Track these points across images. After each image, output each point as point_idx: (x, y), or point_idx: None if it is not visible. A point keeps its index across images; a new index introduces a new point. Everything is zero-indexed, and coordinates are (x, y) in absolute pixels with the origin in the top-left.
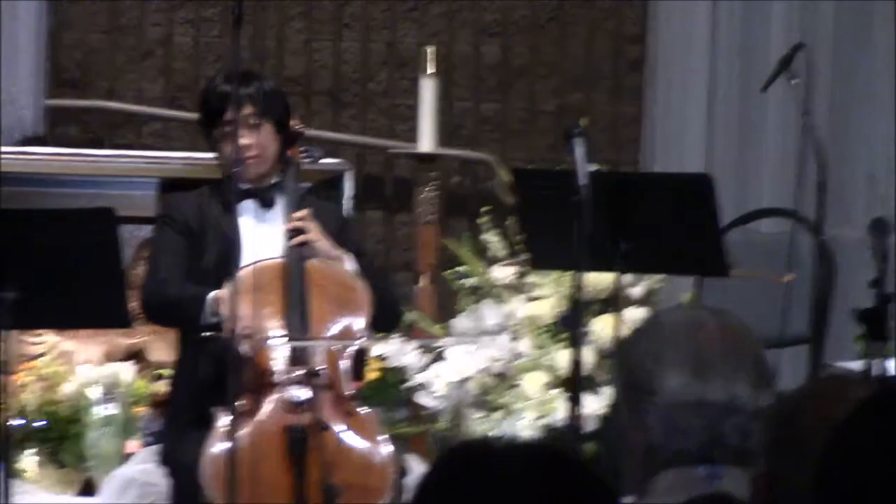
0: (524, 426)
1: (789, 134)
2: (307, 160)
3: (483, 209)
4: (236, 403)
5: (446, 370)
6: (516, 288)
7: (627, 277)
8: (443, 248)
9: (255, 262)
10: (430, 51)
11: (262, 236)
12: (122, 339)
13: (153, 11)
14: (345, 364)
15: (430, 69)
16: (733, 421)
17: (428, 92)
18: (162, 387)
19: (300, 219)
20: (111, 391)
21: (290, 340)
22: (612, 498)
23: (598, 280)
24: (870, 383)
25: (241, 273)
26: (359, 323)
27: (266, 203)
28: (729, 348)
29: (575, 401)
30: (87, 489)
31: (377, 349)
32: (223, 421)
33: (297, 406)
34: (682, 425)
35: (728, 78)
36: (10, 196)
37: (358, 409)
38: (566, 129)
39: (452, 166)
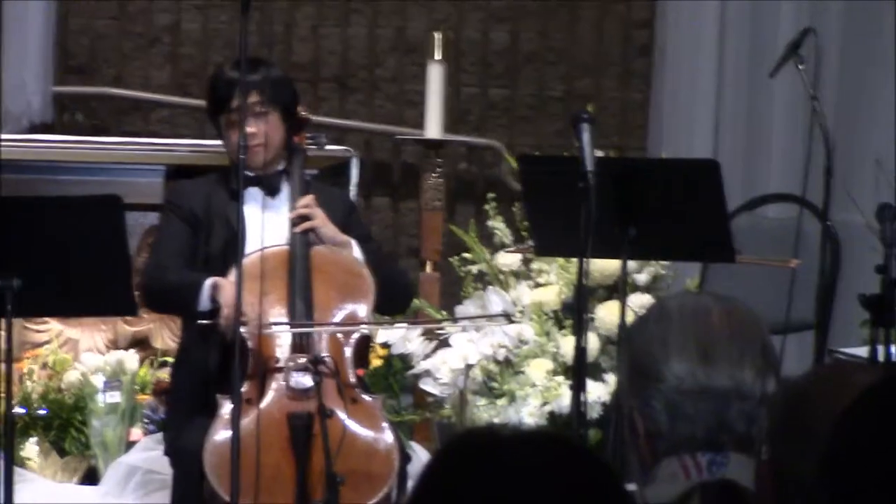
0: (529, 413)
1: (796, 119)
2: (313, 147)
3: (489, 195)
4: (240, 391)
5: (451, 357)
6: (522, 274)
7: (633, 264)
8: (449, 235)
9: (261, 249)
10: (437, 37)
11: (267, 224)
12: (127, 327)
13: None
14: (349, 351)
15: (438, 55)
16: (739, 407)
17: (435, 78)
18: (166, 374)
19: (305, 205)
20: (115, 379)
21: (285, 326)
22: (619, 485)
23: (604, 266)
24: (875, 369)
25: (247, 260)
26: (363, 309)
27: (271, 190)
28: (735, 334)
29: (579, 387)
30: (91, 477)
31: (382, 336)
32: (226, 408)
33: (300, 393)
34: (687, 411)
35: (736, 63)
36: (16, 183)
37: (362, 396)
38: (573, 114)
39: (459, 152)
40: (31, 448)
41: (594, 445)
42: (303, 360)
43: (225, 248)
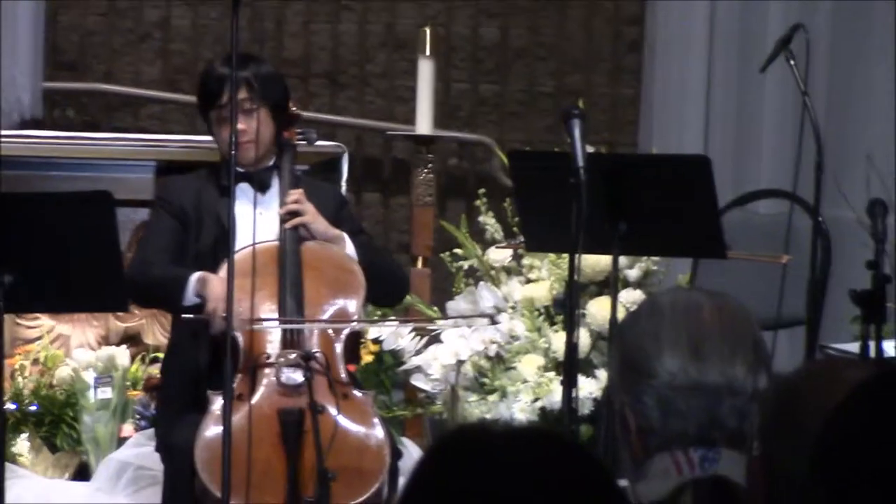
0: (520, 409)
1: (787, 115)
2: (303, 142)
3: (480, 191)
4: (230, 387)
5: (442, 353)
6: (513, 270)
7: (624, 259)
8: (440, 230)
9: (251, 245)
10: (427, 32)
11: (257, 219)
12: (118, 323)
13: None
14: (339, 347)
15: (428, 51)
16: (731, 403)
17: (426, 74)
18: (157, 370)
19: (295, 201)
20: (107, 375)
21: (265, 322)
22: (611, 481)
23: (595, 262)
24: (866, 365)
25: (237, 256)
26: (353, 305)
27: (261, 186)
28: (726, 330)
29: (571, 383)
30: (82, 473)
31: (373, 332)
32: (217, 404)
33: (291, 389)
34: (679, 407)
35: (726, 59)
36: (7, 179)
37: (353, 392)
38: (564, 110)
39: (450, 148)
40: (22, 444)
41: (585, 441)
42: (293, 355)
43: (215, 244)
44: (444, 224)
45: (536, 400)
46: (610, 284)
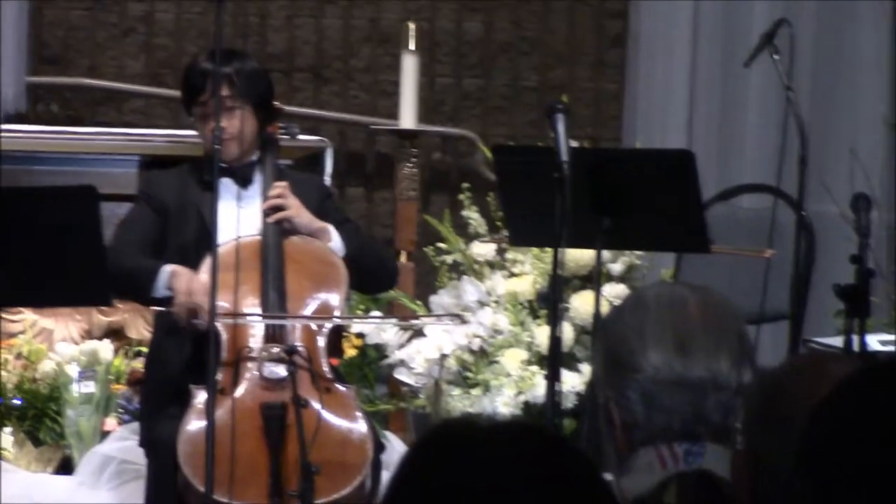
0: (503, 403)
1: (771, 109)
2: (286, 137)
3: (464, 185)
4: (215, 381)
5: (426, 347)
6: (496, 264)
7: (607, 253)
8: (423, 225)
9: (233, 240)
10: (411, 27)
11: (240, 214)
12: (102, 317)
13: None
14: (322, 340)
15: (412, 45)
16: (715, 397)
17: (409, 68)
18: (141, 364)
19: (278, 195)
20: (90, 369)
21: (236, 317)
22: (596, 475)
23: (578, 256)
24: (851, 360)
25: (219, 250)
26: (336, 298)
27: (244, 181)
28: (711, 325)
29: (554, 377)
30: (65, 467)
31: (357, 326)
32: (200, 398)
33: (273, 383)
34: (664, 402)
35: (710, 53)
36: None
37: (336, 386)
38: (548, 105)
39: (434, 142)
40: (5, 438)
41: (569, 435)
42: (276, 350)
43: (196, 239)
44: (427, 218)
45: (520, 394)
46: (593, 279)
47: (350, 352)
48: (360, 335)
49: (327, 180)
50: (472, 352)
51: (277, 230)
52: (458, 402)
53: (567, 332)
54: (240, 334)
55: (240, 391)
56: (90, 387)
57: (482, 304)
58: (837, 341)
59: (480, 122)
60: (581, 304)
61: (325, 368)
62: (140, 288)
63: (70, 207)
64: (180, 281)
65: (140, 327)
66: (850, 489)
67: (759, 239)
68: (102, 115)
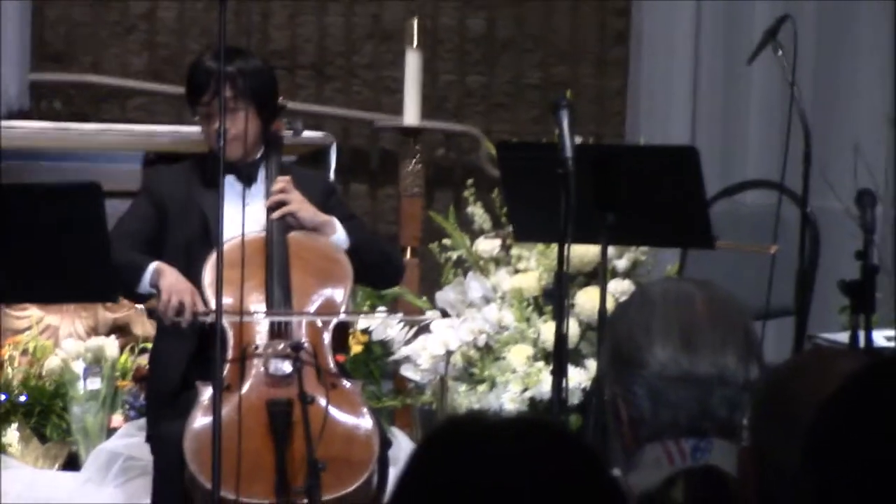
0: (509, 399)
1: (774, 106)
2: (289, 132)
3: (468, 182)
4: (221, 378)
5: (431, 343)
6: (501, 260)
7: (612, 250)
8: (428, 221)
9: (238, 236)
10: (414, 24)
11: (244, 212)
12: (107, 314)
13: None
14: (327, 337)
15: (415, 42)
16: (722, 393)
17: (413, 65)
18: (146, 361)
19: (281, 189)
20: (96, 365)
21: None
22: (604, 470)
23: (583, 252)
24: (857, 356)
25: (224, 247)
26: (340, 294)
27: (248, 179)
28: (717, 320)
29: (560, 373)
30: (72, 463)
31: (362, 322)
32: (206, 395)
33: (279, 379)
34: (670, 398)
35: (713, 50)
36: None
37: (342, 382)
38: (552, 101)
39: (437, 139)
40: (12, 434)
41: (575, 432)
42: (281, 346)
43: (198, 237)
44: (432, 215)
45: (525, 390)
46: (598, 275)
47: (356, 348)
48: (366, 331)
49: (332, 177)
50: (477, 348)
51: (282, 226)
52: (464, 399)
53: (573, 329)
54: (245, 331)
55: (246, 388)
56: (96, 383)
57: (487, 300)
58: (842, 337)
59: (484, 119)
60: (586, 300)
61: (331, 365)
62: (125, 282)
63: (74, 204)
64: (164, 279)
65: (145, 324)
66: (856, 485)
67: (764, 235)
68: (105, 113)
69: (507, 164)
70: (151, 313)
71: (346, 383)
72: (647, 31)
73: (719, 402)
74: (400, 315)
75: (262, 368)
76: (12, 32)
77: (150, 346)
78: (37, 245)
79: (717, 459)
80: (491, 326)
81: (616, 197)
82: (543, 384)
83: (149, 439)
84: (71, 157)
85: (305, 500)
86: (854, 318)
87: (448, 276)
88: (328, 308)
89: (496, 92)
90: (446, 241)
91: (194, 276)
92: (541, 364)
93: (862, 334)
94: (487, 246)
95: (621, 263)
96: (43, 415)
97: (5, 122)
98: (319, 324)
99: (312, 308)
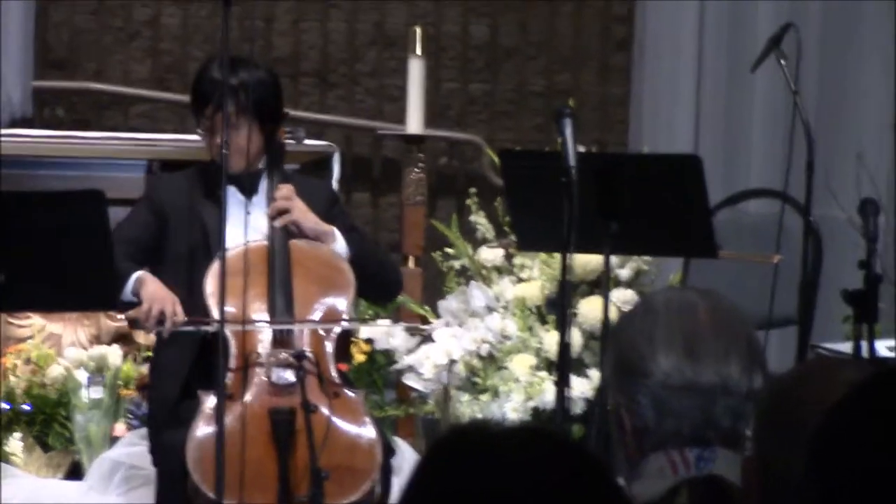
0: (512, 408)
1: (777, 114)
2: (291, 141)
3: (471, 190)
4: (223, 386)
5: (434, 352)
6: (504, 269)
7: (615, 259)
8: (430, 230)
9: (240, 245)
10: (417, 31)
11: (244, 222)
12: (110, 322)
13: None
14: (330, 346)
15: (418, 50)
16: (725, 403)
17: (415, 72)
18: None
19: (284, 197)
20: (98, 374)
21: (194, 324)
22: (608, 478)
23: (586, 261)
24: (861, 365)
25: (228, 255)
26: (342, 303)
27: (250, 190)
28: (720, 330)
29: (563, 383)
30: (75, 472)
31: (365, 331)
32: (208, 404)
33: (281, 388)
34: (674, 407)
35: (716, 58)
36: None
37: (344, 391)
38: (556, 109)
39: (440, 147)
40: (14, 443)
41: (578, 441)
42: (284, 354)
43: (198, 247)
44: (434, 223)
45: (528, 399)
46: (601, 284)
47: (359, 357)
48: (369, 340)
49: (335, 185)
50: (480, 357)
51: (284, 235)
52: (467, 408)
53: (575, 338)
54: (248, 340)
55: (248, 396)
56: (99, 392)
57: (490, 309)
58: (845, 347)
59: (487, 127)
60: (589, 309)
61: (334, 373)
62: None
63: (77, 212)
64: (145, 288)
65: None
66: (859, 494)
67: (767, 244)
68: (108, 120)
69: (510, 172)
70: (133, 322)
71: (349, 392)
72: (650, 38)
73: (723, 412)
74: (402, 324)
75: (264, 377)
76: (15, 39)
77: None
78: (39, 253)
79: (721, 469)
80: (494, 336)
81: (619, 206)
82: (546, 394)
83: (151, 448)
84: (73, 164)
85: None
86: (857, 328)
87: (451, 284)
88: (330, 316)
89: (499, 100)
90: (449, 250)
91: (195, 286)
92: (544, 373)
93: (865, 344)
94: (490, 255)
95: (624, 272)
96: (46, 424)
97: (8, 131)
98: (322, 332)
99: (315, 316)
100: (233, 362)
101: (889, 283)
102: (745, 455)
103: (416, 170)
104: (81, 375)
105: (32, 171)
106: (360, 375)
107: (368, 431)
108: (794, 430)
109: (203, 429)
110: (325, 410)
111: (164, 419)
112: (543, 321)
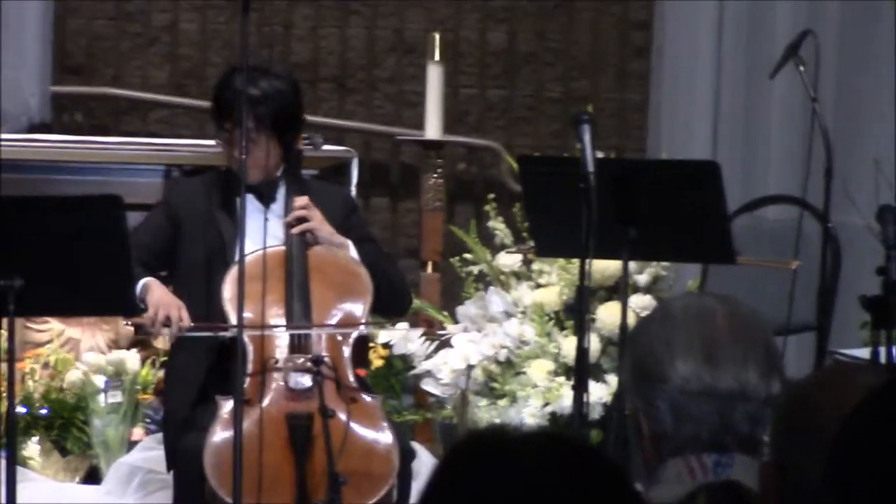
0: (530, 414)
1: (796, 120)
2: (308, 147)
3: (489, 196)
4: (241, 391)
5: (452, 358)
6: (522, 275)
7: (633, 264)
8: (449, 235)
9: (258, 251)
10: (436, 37)
11: (262, 230)
12: (128, 327)
13: None
14: (347, 351)
15: (437, 56)
16: (744, 408)
17: (434, 78)
18: None
19: (302, 206)
20: (116, 379)
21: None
22: (627, 483)
23: (604, 267)
24: (879, 371)
25: (246, 260)
26: (360, 309)
27: (268, 199)
28: (739, 335)
29: (581, 388)
30: (93, 477)
31: (383, 336)
32: (226, 409)
33: (299, 393)
34: (692, 412)
35: (734, 64)
36: (16, 183)
37: (362, 396)
38: (574, 115)
39: (458, 153)
40: (32, 448)
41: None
42: (301, 360)
43: (214, 253)
44: (453, 229)
45: (546, 405)
46: (620, 289)
47: (376, 362)
48: (387, 346)
49: (353, 191)
50: (498, 362)
51: (301, 241)
52: (485, 413)
53: (593, 343)
54: (265, 345)
55: (266, 401)
56: (117, 396)
57: (508, 314)
58: (864, 353)
59: (504, 133)
60: (607, 314)
61: (351, 378)
62: None
63: (97, 217)
64: (151, 294)
65: (166, 337)
66: (877, 500)
67: (785, 250)
68: (127, 125)
69: (528, 178)
70: (138, 328)
71: (366, 397)
72: (668, 45)
73: (741, 417)
74: (420, 329)
75: (282, 382)
76: (34, 44)
77: None
78: (57, 258)
79: (739, 474)
80: (512, 341)
81: (637, 212)
82: (564, 399)
83: (167, 453)
84: (92, 170)
85: None
86: (875, 334)
87: (469, 290)
88: (348, 321)
89: (517, 106)
90: (467, 256)
91: (213, 292)
92: (562, 379)
93: (883, 350)
94: (508, 260)
95: (642, 278)
96: (64, 428)
97: (27, 136)
98: (339, 337)
99: (332, 321)
100: (250, 367)
101: None
102: (762, 461)
103: (434, 175)
104: (99, 380)
105: (51, 177)
106: (378, 380)
107: (386, 436)
108: (812, 435)
109: (220, 434)
110: (342, 415)
111: (180, 424)
112: (561, 327)
